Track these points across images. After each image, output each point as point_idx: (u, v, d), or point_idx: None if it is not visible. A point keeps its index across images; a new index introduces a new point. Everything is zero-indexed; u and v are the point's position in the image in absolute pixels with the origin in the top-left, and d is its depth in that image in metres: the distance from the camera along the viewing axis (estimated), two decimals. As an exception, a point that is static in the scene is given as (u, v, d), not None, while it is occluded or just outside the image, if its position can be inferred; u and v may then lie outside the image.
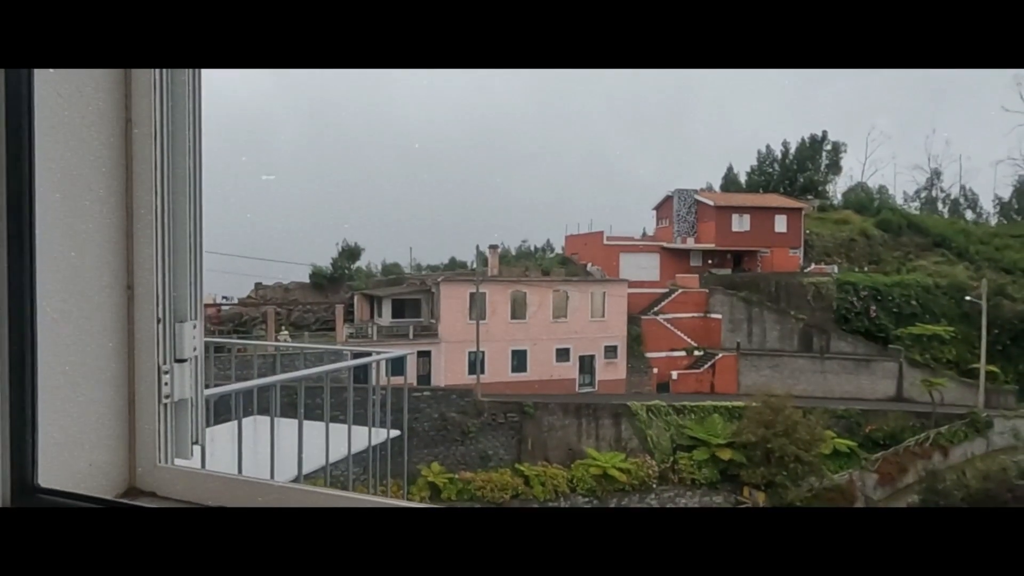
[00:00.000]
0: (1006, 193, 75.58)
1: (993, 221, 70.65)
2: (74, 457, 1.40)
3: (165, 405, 1.52)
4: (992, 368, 40.74)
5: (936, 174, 75.78)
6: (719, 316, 43.00)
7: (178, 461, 1.57)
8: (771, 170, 67.44)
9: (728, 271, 48.81)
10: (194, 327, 1.57)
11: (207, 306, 38.95)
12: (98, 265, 1.42)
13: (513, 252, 57.60)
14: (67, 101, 1.37)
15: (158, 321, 1.49)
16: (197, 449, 1.63)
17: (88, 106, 1.40)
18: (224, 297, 43.21)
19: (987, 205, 76.50)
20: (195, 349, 1.58)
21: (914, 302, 44.56)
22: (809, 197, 60.72)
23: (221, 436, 4.72)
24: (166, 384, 1.51)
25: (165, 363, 1.51)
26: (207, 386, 4.00)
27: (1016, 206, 72.92)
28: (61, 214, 1.35)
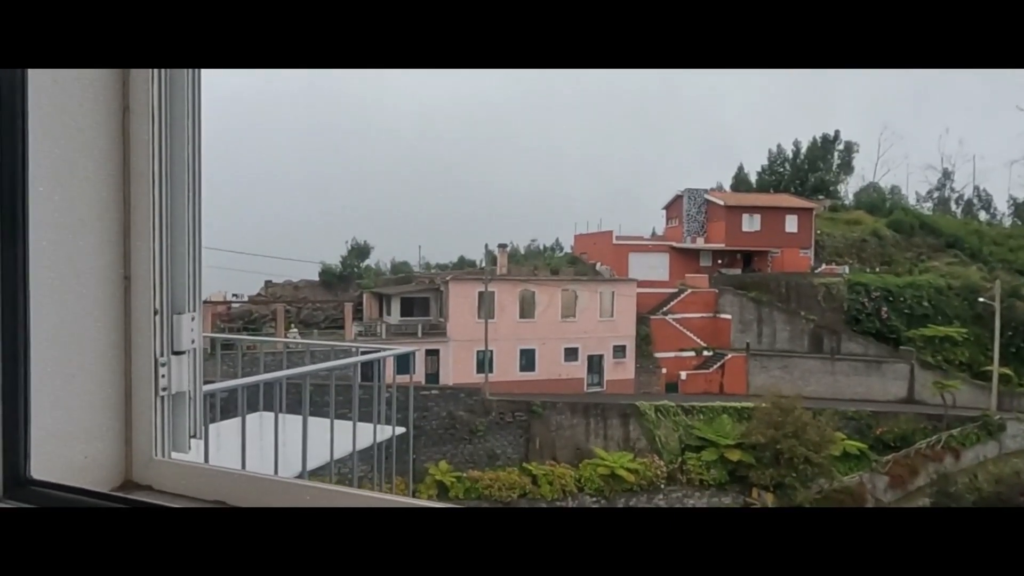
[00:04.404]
0: (1021, 194, 75.01)
1: (1007, 222, 69.95)
2: (68, 449, 1.37)
3: (162, 398, 1.50)
4: (1005, 370, 40.30)
5: (948, 174, 75.19)
6: (729, 316, 42.78)
7: (175, 455, 1.54)
8: (782, 170, 67.08)
9: (738, 271, 48.56)
10: (192, 319, 1.55)
11: (217, 303, 39.19)
12: (94, 255, 1.40)
13: (522, 251, 57.56)
14: (63, 87, 1.35)
15: (155, 312, 1.47)
16: (195, 443, 1.61)
17: (85, 93, 1.38)
18: (234, 294, 43.44)
19: (1001, 206, 75.86)
20: (193, 342, 1.56)
21: (926, 303, 44.15)
22: (820, 197, 60.34)
23: (227, 431, 4.71)
24: (163, 376, 1.49)
25: (162, 355, 1.49)
26: (213, 382, 3.99)
27: (1031, 207, 72.17)
28: (56, 202, 1.33)
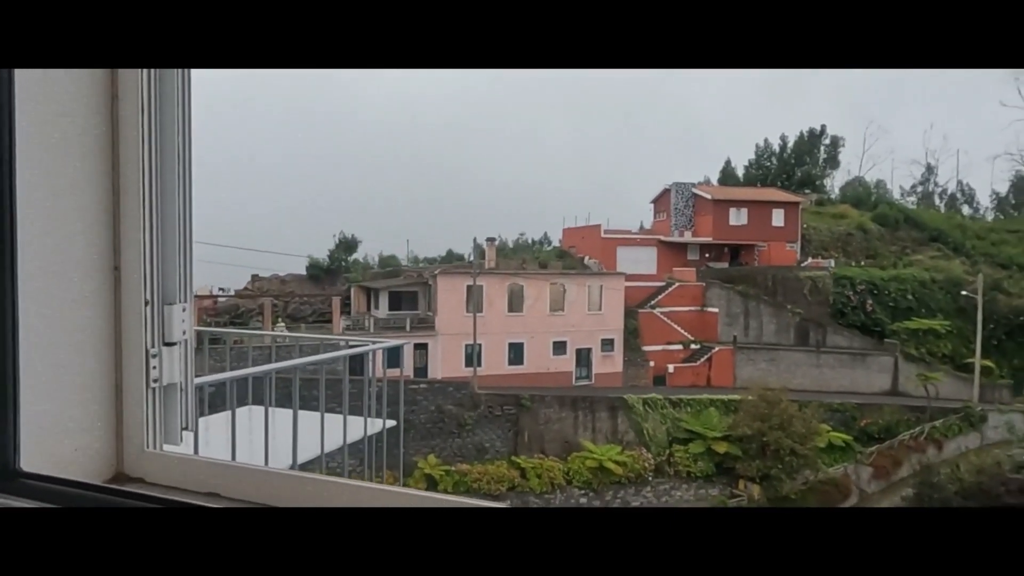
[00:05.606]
0: (1003, 188, 75.89)
1: (990, 216, 70.82)
2: (59, 441, 1.36)
3: (153, 389, 1.48)
4: (987, 362, 40.86)
5: (932, 169, 75.93)
6: (716, 310, 43.01)
7: (167, 447, 1.53)
8: (769, 164, 67.43)
9: (725, 265, 48.81)
10: (183, 310, 1.53)
11: (203, 298, 38.87)
12: (83, 244, 1.38)
13: (510, 245, 57.53)
14: (50, 75, 1.32)
15: (146, 303, 1.45)
16: (187, 435, 1.60)
17: (73, 81, 1.36)
18: (220, 289, 43.08)
19: (984, 200, 76.77)
20: (184, 333, 1.54)
21: (910, 296, 44.63)
22: (807, 191, 60.69)
23: (216, 425, 4.68)
24: (154, 368, 1.47)
25: (153, 346, 1.47)
26: (201, 376, 3.96)
27: (1013, 201, 73.16)
28: (43, 192, 1.31)
